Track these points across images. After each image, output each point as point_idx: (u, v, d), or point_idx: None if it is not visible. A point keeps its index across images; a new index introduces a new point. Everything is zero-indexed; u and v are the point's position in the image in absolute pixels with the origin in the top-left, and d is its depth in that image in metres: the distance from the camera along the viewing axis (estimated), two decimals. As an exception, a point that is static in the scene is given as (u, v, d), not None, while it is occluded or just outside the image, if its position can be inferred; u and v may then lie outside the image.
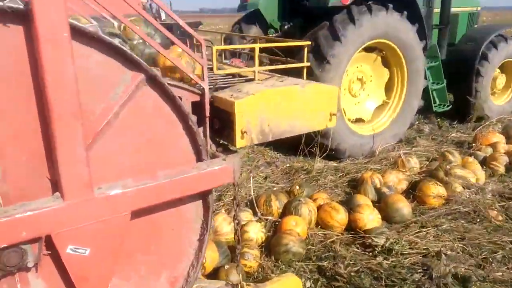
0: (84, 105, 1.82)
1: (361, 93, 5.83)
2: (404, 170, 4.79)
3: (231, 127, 2.37)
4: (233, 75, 3.19)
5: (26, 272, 1.86)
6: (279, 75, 3.11)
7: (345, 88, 5.67)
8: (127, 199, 1.98)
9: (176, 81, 2.42)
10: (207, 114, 2.45)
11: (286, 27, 6.42)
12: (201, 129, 2.51)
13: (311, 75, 5.21)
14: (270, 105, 2.47)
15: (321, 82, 5.06)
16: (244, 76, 3.14)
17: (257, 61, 2.67)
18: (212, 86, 2.69)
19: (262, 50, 6.29)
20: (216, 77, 3.08)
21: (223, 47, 2.78)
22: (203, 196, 2.34)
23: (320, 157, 5.10)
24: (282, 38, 6.39)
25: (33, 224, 1.74)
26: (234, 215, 2.55)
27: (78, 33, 1.76)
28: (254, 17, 6.74)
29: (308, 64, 2.96)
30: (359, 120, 5.90)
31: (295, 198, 3.78)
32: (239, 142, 2.40)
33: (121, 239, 2.03)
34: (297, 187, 4.14)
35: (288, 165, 5.18)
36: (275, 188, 4.48)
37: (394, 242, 3.33)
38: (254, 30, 6.77)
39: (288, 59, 3.37)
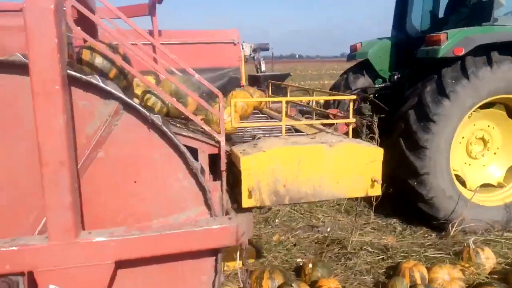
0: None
1: (479, 157, 4.92)
2: (467, 265, 3.66)
3: (239, 184, 2.21)
4: (296, 130, 3.02)
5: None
6: (331, 131, 2.82)
7: (461, 141, 4.89)
8: (111, 248, 1.99)
9: (198, 131, 2.38)
10: (223, 168, 2.35)
11: (395, 77, 5.95)
12: (218, 183, 2.42)
13: (410, 133, 4.65)
14: (286, 164, 2.23)
15: (423, 142, 4.50)
16: (299, 131, 2.96)
17: (284, 115, 2.46)
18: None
19: (367, 101, 6.00)
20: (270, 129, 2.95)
21: (243, 99, 2.65)
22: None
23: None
24: (390, 88, 5.98)
25: (17, 259, 1.88)
26: (242, 281, 2.33)
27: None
28: (363, 66, 6.47)
29: (353, 120, 2.60)
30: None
31: (285, 283, 3.18)
32: (246, 202, 2.21)
33: (106, 286, 2.02)
34: (310, 265, 3.44)
35: (326, 234, 4.48)
36: (298, 260, 3.92)
37: None
38: (362, 80, 6.47)
39: (336, 114, 3.03)
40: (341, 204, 5.33)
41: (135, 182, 2.10)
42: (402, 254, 4.00)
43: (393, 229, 4.74)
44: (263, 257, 3.95)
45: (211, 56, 5.43)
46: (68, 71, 1.87)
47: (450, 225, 4.36)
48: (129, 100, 1.98)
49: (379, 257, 3.96)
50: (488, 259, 3.72)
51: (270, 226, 4.72)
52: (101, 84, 1.93)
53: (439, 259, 3.91)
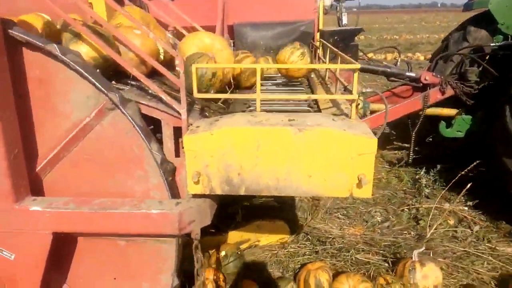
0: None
1: None
2: (390, 282, 2.70)
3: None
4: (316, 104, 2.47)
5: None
6: (345, 108, 2.23)
7: None
8: (46, 218, 1.92)
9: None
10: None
11: (519, 33, 4.57)
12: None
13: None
14: (240, 148, 1.79)
15: None
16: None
17: (258, 87, 1.94)
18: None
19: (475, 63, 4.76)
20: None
21: (205, 65, 2.14)
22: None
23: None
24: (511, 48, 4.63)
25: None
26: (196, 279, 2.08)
27: None
28: (484, 18, 5.12)
29: (355, 97, 1.92)
30: None
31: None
32: (192, 187, 1.87)
33: (47, 255, 1.98)
34: (223, 253, 2.98)
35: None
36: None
37: None
38: (479, 36, 5.15)
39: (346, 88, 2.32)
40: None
41: None
42: (333, 251, 3.26)
43: (369, 219, 3.86)
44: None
45: (283, 8, 4.90)
46: None
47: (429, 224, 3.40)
48: None
49: (306, 250, 3.28)
50: (425, 278, 2.76)
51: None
52: None
53: (371, 266, 3.09)
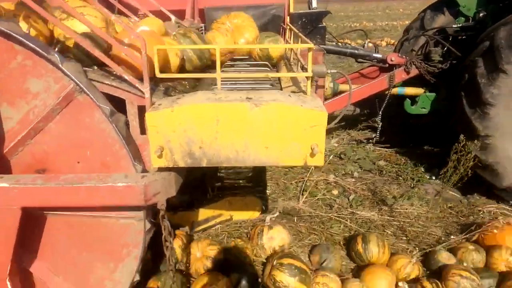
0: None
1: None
2: (241, 243, 3.07)
3: (151, 141, 1.98)
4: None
5: None
6: (304, 85, 2.34)
7: None
8: (15, 194, 1.99)
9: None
10: (149, 122, 2.12)
11: (481, 15, 4.76)
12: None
13: (474, 85, 3.80)
14: (200, 124, 1.89)
15: (489, 97, 3.66)
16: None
17: (218, 66, 2.03)
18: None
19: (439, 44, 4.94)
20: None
21: (163, 46, 2.22)
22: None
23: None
24: (472, 29, 4.83)
25: None
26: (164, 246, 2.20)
27: None
28: (446, 2, 5.30)
29: (310, 74, 2.04)
30: None
31: None
32: (155, 161, 1.97)
33: (16, 231, 2.06)
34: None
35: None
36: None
37: None
38: (441, 19, 5.34)
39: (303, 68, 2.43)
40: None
41: None
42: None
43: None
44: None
45: None
46: None
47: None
48: None
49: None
50: (271, 240, 3.08)
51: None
52: None
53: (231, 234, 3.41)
